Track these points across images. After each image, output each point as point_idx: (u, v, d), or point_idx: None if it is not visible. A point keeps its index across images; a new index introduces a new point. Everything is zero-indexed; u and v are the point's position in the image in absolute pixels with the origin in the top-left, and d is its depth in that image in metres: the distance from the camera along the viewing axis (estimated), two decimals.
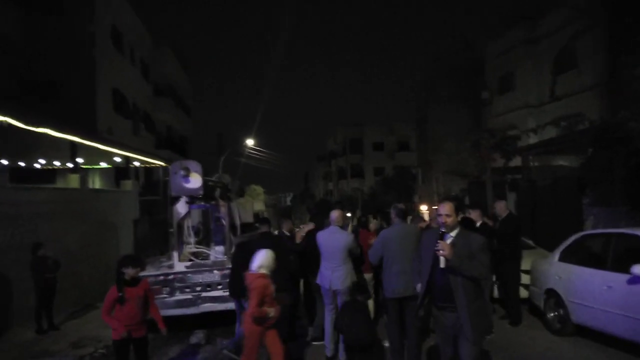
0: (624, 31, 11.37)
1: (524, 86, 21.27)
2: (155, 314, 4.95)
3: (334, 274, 5.49)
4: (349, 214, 17.91)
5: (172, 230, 8.50)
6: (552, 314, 6.45)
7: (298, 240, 7.17)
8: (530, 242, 9.74)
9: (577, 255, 6.27)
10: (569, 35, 18.04)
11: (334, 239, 5.56)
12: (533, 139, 17.61)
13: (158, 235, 13.33)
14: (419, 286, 3.91)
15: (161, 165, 15.41)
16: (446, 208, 3.66)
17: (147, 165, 15.86)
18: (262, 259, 4.89)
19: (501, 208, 7.17)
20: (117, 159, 13.76)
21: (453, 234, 3.66)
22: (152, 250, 12.43)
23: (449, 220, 3.63)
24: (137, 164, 14.56)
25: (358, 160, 52.43)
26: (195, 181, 6.96)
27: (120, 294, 4.61)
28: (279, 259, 5.52)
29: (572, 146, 12.97)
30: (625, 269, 5.04)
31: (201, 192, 7.19)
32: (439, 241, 3.55)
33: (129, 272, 4.70)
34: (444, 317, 3.66)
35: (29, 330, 7.53)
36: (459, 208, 3.69)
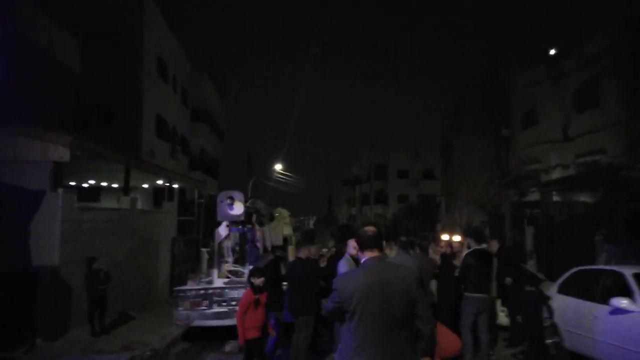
0: None
1: (547, 121, 21.70)
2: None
3: None
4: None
5: (207, 249, 9.53)
6: (550, 341, 7.10)
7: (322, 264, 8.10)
8: (541, 275, 10.34)
9: (572, 288, 6.95)
10: (592, 74, 18.50)
11: (339, 266, 5.87)
12: (556, 174, 18.04)
13: (191, 253, 14.44)
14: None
15: (196, 188, 16.63)
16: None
17: (184, 187, 17.13)
18: None
19: (494, 246, 7.89)
20: (159, 182, 15.03)
21: None
22: (185, 267, 13.53)
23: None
24: (175, 186, 15.79)
25: (382, 186, 52.98)
26: (238, 208, 8.02)
27: (256, 297, 5.48)
28: (306, 282, 6.37)
29: (587, 185, 13.50)
30: (608, 302, 5.73)
31: (243, 218, 8.24)
32: None
33: (257, 281, 5.54)
34: None
35: (85, 333, 8.60)
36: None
